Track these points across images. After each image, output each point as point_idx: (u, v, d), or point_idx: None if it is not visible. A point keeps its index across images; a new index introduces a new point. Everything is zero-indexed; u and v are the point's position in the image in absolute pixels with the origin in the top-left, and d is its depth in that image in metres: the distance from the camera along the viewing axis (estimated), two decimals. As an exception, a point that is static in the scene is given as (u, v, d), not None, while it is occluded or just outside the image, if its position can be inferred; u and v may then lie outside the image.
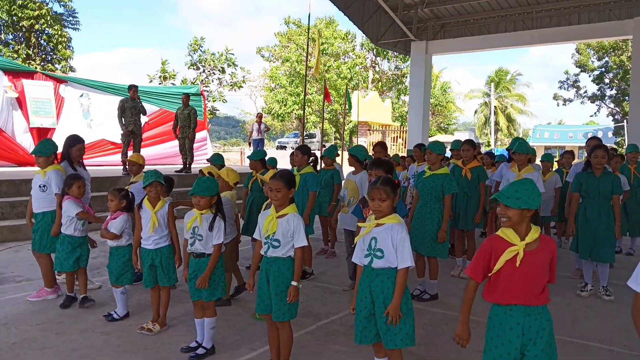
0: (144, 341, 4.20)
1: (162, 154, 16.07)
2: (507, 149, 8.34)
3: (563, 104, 40.25)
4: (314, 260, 6.67)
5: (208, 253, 3.90)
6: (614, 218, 5.62)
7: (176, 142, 16.52)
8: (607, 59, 36.38)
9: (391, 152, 20.70)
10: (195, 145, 17.35)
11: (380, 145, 6.96)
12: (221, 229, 3.92)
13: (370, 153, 7.61)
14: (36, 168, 5.35)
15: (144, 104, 11.80)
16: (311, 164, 6.36)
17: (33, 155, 5.35)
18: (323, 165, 7.66)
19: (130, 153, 11.27)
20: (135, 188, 5.35)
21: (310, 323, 4.67)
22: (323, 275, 6.37)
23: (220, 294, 4.01)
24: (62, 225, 4.98)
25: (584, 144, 7.80)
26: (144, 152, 11.85)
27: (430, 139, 30.47)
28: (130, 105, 11.10)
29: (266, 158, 6.55)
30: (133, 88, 11.27)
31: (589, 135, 45.06)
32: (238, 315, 4.85)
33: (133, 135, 11.19)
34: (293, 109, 35.41)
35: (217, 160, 6.46)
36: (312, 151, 6.51)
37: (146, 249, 4.39)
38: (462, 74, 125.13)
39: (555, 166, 10.53)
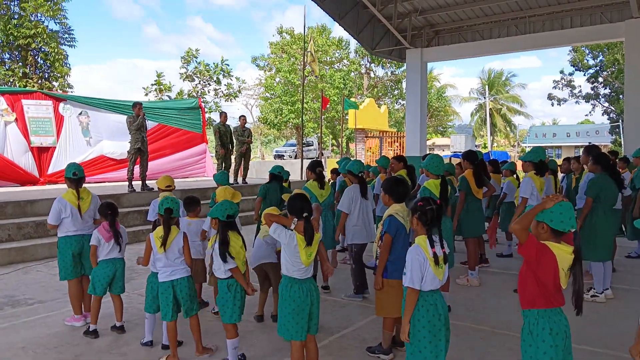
0: (160, 362, 4.27)
1: (161, 169, 16.15)
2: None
3: (558, 104, 40.48)
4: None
5: None
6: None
7: (175, 157, 16.71)
8: (601, 57, 36.69)
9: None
10: (194, 159, 17.56)
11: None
12: None
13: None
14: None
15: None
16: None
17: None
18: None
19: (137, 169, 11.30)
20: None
21: (323, 337, 4.73)
22: (331, 288, 6.44)
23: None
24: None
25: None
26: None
27: (427, 142, 30.56)
28: (134, 121, 10.93)
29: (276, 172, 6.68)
30: (138, 105, 11.06)
31: (587, 134, 44.77)
32: (251, 332, 4.92)
33: (140, 153, 11.15)
34: (289, 118, 35.56)
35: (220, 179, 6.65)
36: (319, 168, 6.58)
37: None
38: (455, 72, 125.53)
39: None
